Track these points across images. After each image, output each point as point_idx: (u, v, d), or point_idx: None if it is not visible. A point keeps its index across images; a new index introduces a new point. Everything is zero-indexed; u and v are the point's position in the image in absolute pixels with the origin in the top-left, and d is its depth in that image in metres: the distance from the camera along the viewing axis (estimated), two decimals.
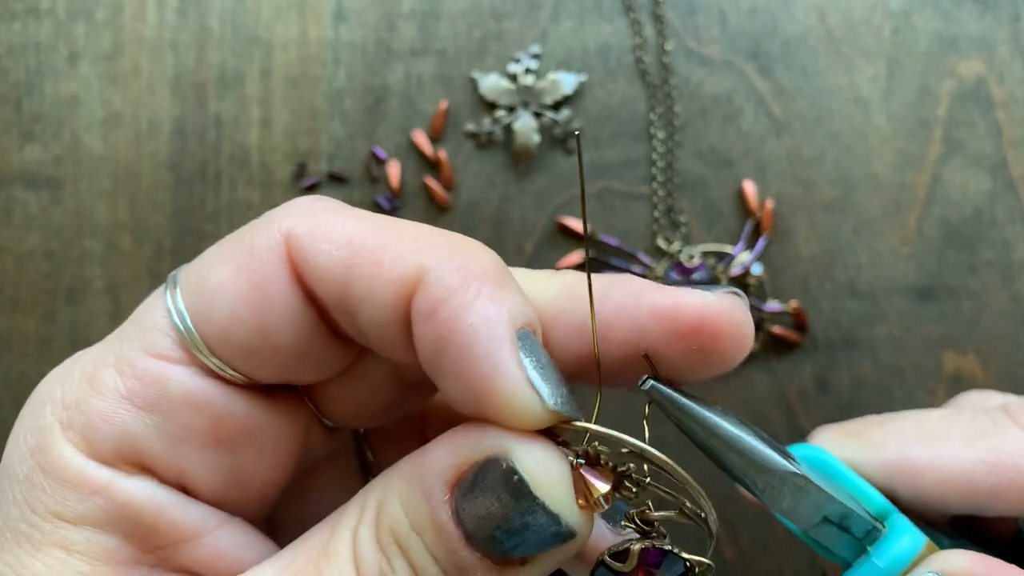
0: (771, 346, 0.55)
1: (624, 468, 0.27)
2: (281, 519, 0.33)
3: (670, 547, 0.28)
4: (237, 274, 0.27)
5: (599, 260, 0.55)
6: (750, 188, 0.56)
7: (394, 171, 0.56)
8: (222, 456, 0.29)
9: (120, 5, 0.57)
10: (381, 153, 0.56)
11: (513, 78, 0.57)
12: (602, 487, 0.26)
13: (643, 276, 0.54)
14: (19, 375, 0.55)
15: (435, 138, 0.57)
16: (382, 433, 0.35)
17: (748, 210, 0.56)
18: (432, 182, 0.56)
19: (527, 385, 0.25)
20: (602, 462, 0.27)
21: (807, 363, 0.55)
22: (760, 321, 0.55)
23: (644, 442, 0.27)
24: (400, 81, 0.57)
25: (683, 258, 0.55)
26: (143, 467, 0.28)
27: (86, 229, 0.56)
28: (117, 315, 0.55)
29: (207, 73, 0.57)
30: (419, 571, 0.26)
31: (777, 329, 0.54)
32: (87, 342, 0.54)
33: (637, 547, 0.27)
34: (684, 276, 0.54)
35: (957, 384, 0.54)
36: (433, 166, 0.57)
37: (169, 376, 0.28)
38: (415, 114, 0.57)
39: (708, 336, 0.28)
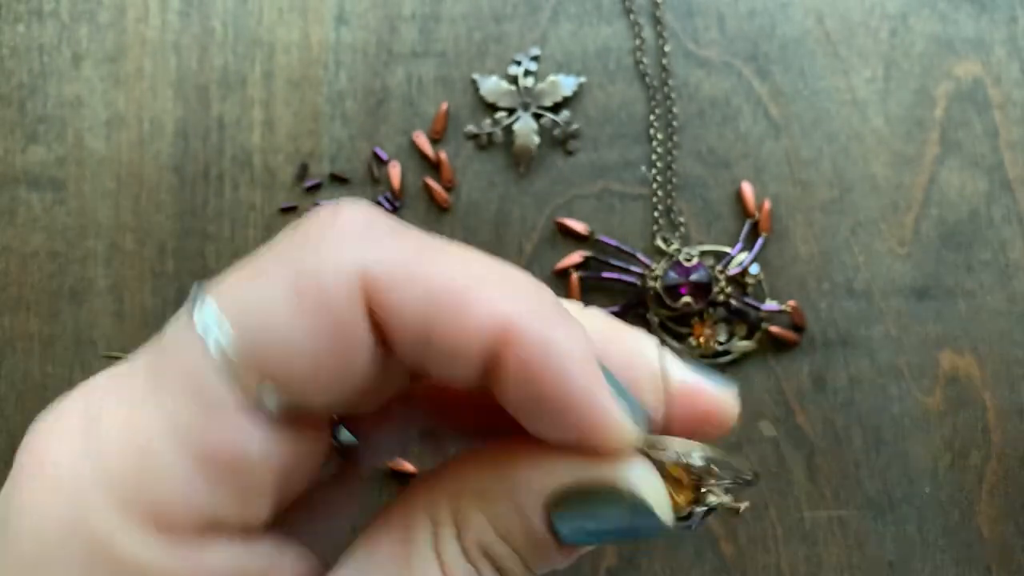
0: (769, 345, 0.55)
1: (694, 470, 0.29)
2: None
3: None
4: (315, 327, 0.25)
5: (599, 260, 0.56)
6: (748, 189, 0.56)
7: (395, 172, 0.57)
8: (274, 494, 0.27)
9: (123, 7, 0.58)
10: (382, 154, 0.57)
11: (513, 80, 0.58)
12: (681, 496, 0.28)
13: (642, 276, 0.55)
14: (23, 375, 0.56)
15: (436, 139, 0.57)
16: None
17: (746, 211, 0.56)
18: (433, 183, 0.57)
19: (623, 415, 0.26)
20: (675, 470, 0.29)
21: (804, 362, 0.55)
22: (758, 321, 0.55)
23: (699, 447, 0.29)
24: (401, 83, 0.57)
25: (682, 258, 0.55)
26: (214, 531, 0.25)
27: (89, 230, 0.56)
28: (120, 315, 0.56)
29: (209, 75, 0.57)
30: (507, 572, 0.27)
31: (775, 329, 0.55)
32: (90, 342, 0.55)
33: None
34: (683, 276, 0.55)
35: (954, 383, 0.55)
36: (434, 167, 0.57)
37: (244, 447, 0.25)
38: (416, 116, 0.57)
39: (714, 425, 0.29)
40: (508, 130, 0.57)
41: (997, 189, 0.56)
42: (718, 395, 0.29)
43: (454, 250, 0.26)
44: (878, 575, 0.54)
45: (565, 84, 0.57)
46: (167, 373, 0.25)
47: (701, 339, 0.55)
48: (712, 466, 0.28)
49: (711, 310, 0.55)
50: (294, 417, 0.25)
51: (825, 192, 0.56)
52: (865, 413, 0.55)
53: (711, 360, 0.55)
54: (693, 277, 0.55)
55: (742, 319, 0.55)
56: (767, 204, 0.56)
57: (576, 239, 0.56)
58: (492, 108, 0.57)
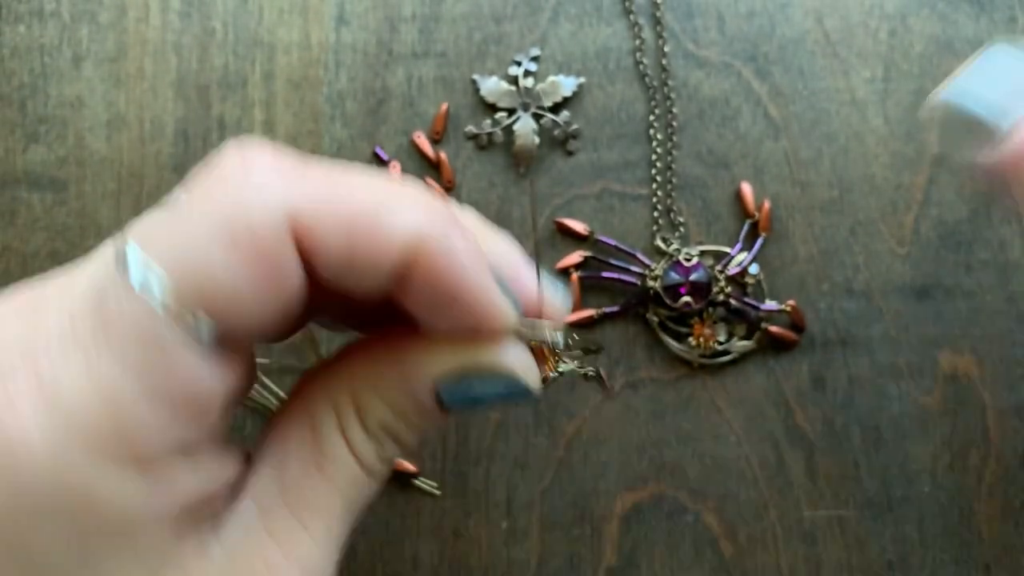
0: (768, 345, 0.55)
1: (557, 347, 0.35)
2: None
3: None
4: (251, 264, 0.27)
5: (599, 260, 0.56)
6: (747, 189, 0.56)
7: (396, 172, 0.57)
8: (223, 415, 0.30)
9: (124, 7, 0.58)
10: (383, 154, 0.57)
11: (513, 80, 0.58)
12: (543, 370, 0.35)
13: (642, 275, 0.55)
14: None
15: (436, 140, 0.57)
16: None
17: (746, 211, 0.56)
18: (433, 183, 0.57)
19: (507, 304, 0.32)
20: (539, 347, 0.35)
21: (804, 362, 0.55)
22: (757, 320, 0.55)
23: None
24: (401, 83, 0.58)
25: (681, 258, 0.55)
26: (181, 457, 0.28)
27: (90, 230, 0.56)
28: None
29: (210, 75, 0.58)
30: (401, 436, 0.33)
31: (774, 328, 0.55)
32: None
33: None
34: (683, 276, 0.55)
35: (953, 382, 0.55)
36: (434, 167, 0.57)
37: (197, 380, 0.27)
38: (416, 116, 0.57)
39: (552, 315, 0.35)
40: (508, 130, 0.57)
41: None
42: (555, 295, 0.35)
43: (360, 175, 0.30)
44: (878, 575, 0.54)
45: (565, 84, 0.57)
46: (114, 323, 0.26)
47: (701, 339, 0.55)
48: (570, 341, 0.35)
49: (711, 310, 0.55)
50: (233, 346, 0.28)
51: (824, 192, 0.56)
52: (864, 413, 0.55)
53: (711, 360, 0.55)
54: (693, 277, 0.55)
55: (742, 319, 0.55)
56: (766, 204, 0.56)
57: (576, 239, 0.56)
58: (492, 108, 0.58)
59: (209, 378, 0.27)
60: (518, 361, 0.33)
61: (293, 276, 0.28)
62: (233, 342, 0.28)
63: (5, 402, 0.25)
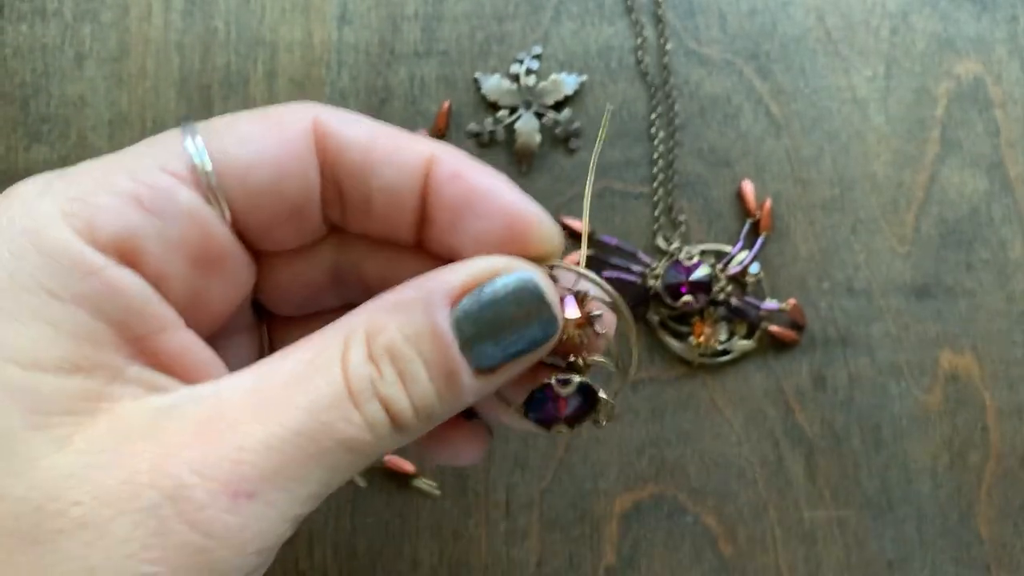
0: (769, 344, 0.55)
1: (593, 313, 0.33)
2: None
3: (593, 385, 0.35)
4: (265, 131, 0.31)
5: (599, 259, 0.56)
6: (749, 187, 0.56)
7: None
8: (197, 274, 0.31)
9: (126, 6, 0.58)
10: None
11: (515, 79, 0.58)
12: (573, 313, 0.33)
13: (643, 274, 0.55)
14: None
15: (438, 137, 0.57)
16: (282, 326, 0.39)
17: (747, 209, 0.56)
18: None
19: (550, 219, 0.32)
20: (579, 299, 0.33)
21: (804, 361, 0.55)
22: (758, 319, 0.55)
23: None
24: (403, 82, 0.58)
25: (682, 257, 0.55)
26: (133, 263, 0.29)
27: None
28: None
29: (212, 75, 0.58)
30: (408, 377, 0.30)
31: (775, 327, 0.55)
32: None
33: (576, 379, 0.34)
34: (684, 274, 0.55)
35: (954, 382, 0.55)
36: None
37: (179, 190, 0.30)
38: (418, 114, 0.58)
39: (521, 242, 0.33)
40: (510, 129, 0.57)
41: (998, 188, 0.56)
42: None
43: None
44: (878, 575, 0.54)
45: (567, 83, 0.57)
46: (139, 147, 0.32)
47: (701, 338, 0.55)
48: (595, 301, 0.34)
49: (711, 309, 0.55)
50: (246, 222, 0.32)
51: (826, 191, 0.56)
52: (864, 412, 0.55)
53: (711, 359, 0.55)
54: (693, 276, 0.55)
55: (742, 318, 0.55)
56: (768, 203, 0.56)
57: (577, 238, 0.56)
58: (494, 107, 0.58)
59: (191, 201, 0.31)
60: (545, 283, 0.31)
61: (303, 153, 0.32)
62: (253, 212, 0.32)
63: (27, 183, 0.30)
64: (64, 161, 0.57)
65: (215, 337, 0.35)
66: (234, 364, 0.33)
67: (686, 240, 0.56)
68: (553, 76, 0.58)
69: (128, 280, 0.29)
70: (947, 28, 0.58)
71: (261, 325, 0.39)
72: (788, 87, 0.57)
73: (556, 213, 0.56)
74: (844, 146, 0.57)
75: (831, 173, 0.56)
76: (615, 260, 0.56)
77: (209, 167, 0.31)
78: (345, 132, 0.32)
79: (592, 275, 0.33)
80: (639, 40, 0.58)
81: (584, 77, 0.58)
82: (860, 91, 0.57)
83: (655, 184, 0.57)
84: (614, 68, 0.58)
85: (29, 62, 0.58)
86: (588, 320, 0.33)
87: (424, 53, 0.58)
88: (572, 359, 0.34)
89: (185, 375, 0.31)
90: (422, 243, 0.34)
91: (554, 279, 0.33)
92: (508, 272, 0.31)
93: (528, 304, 0.31)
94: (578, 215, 0.56)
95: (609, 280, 0.56)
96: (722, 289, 0.55)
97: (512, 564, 0.54)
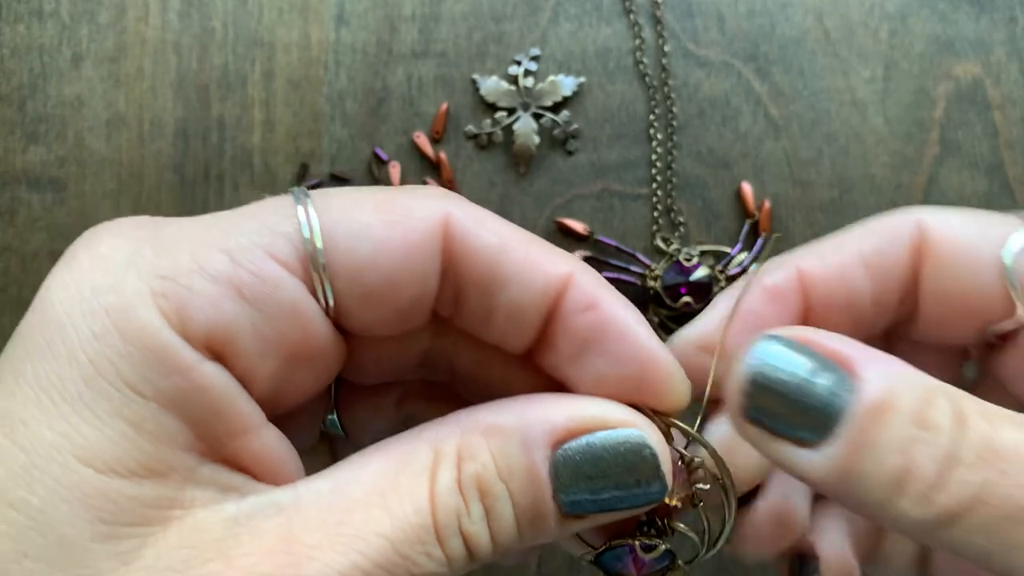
0: None
1: (698, 487, 0.31)
2: None
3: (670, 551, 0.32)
4: (389, 226, 0.28)
5: (599, 260, 0.56)
6: (748, 189, 0.56)
7: (395, 172, 0.57)
8: (287, 368, 0.28)
9: (123, 7, 0.58)
10: (383, 154, 0.57)
11: (513, 80, 0.58)
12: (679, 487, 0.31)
13: (642, 275, 0.55)
14: None
15: (436, 139, 0.57)
16: (350, 389, 0.36)
17: (746, 211, 0.56)
18: (433, 183, 0.57)
19: (682, 371, 0.30)
20: (689, 468, 0.31)
21: None
22: None
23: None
24: (401, 83, 0.58)
25: (682, 258, 0.55)
26: (223, 358, 0.27)
27: None
28: None
29: (210, 75, 0.57)
30: (494, 515, 0.27)
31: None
32: None
33: (663, 546, 0.31)
34: (683, 276, 0.55)
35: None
36: (434, 167, 0.57)
37: (285, 281, 0.27)
38: (416, 115, 0.57)
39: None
40: (508, 130, 0.57)
41: (997, 189, 0.56)
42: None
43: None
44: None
45: (565, 84, 0.57)
46: (243, 219, 0.28)
47: None
48: (703, 472, 0.31)
49: None
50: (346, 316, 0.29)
51: (825, 192, 0.56)
52: None
53: None
54: (693, 277, 0.55)
55: None
56: (767, 204, 0.56)
57: (576, 239, 0.56)
58: (492, 108, 0.58)
59: (295, 294, 0.28)
60: (656, 440, 0.29)
61: (427, 256, 0.28)
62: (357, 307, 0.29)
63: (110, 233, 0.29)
64: (62, 162, 0.56)
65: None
66: (296, 428, 0.31)
67: (685, 241, 0.56)
68: (551, 78, 0.58)
69: (217, 379, 0.26)
70: (946, 30, 0.58)
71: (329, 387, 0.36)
72: (787, 89, 0.57)
73: (553, 215, 0.56)
74: (843, 148, 0.57)
75: (830, 175, 0.56)
76: (614, 261, 0.56)
77: (322, 259, 0.27)
78: (477, 238, 0.29)
79: (709, 444, 0.31)
80: (637, 41, 0.58)
81: (582, 79, 0.58)
82: (859, 93, 0.57)
83: (654, 185, 0.57)
84: (612, 69, 0.58)
85: (26, 63, 0.57)
86: (692, 497, 0.31)
87: (422, 54, 0.58)
88: (661, 521, 0.32)
89: (262, 474, 0.28)
90: (532, 356, 0.32)
91: (669, 437, 0.30)
92: (621, 427, 0.28)
93: (636, 467, 0.28)
94: (577, 217, 0.56)
95: (609, 280, 0.56)
96: (722, 290, 0.55)
97: (512, 564, 0.53)
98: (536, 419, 0.28)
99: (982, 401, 0.26)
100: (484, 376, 0.33)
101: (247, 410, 0.27)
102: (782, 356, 0.27)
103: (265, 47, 0.58)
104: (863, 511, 0.27)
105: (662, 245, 0.56)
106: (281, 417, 0.30)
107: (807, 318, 0.33)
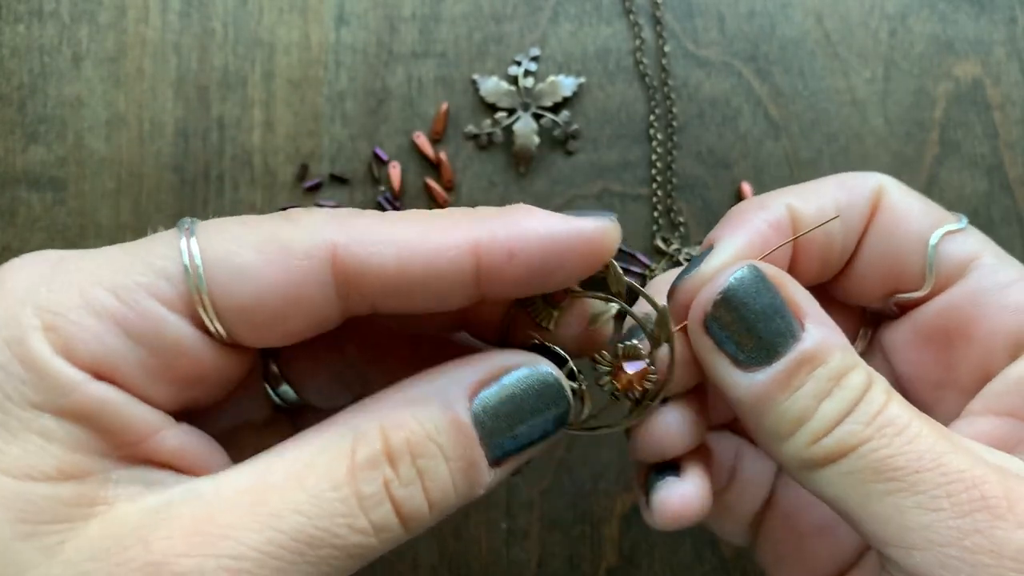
0: None
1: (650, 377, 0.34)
2: None
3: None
4: (270, 264, 0.29)
5: None
6: (748, 189, 0.56)
7: (395, 172, 0.57)
8: (181, 388, 0.30)
9: (123, 7, 0.58)
10: (383, 154, 0.57)
11: (513, 80, 0.58)
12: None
13: (642, 276, 0.55)
14: None
15: (436, 139, 0.57)
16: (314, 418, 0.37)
17: None
18: (433, 183, 0.57)
19: (602, 220, 0.32)
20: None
21: None
22: None
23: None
24: (401, 83, 0.57)
25: (682, 258, 0.55)
26: (111, 381, 0.29)
27: (90, 229, 0.56)
28: None
29: (210, 75, 0.57)
30: (428, 474, 0.29)
31: None
32: None
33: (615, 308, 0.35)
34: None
35: None
36: (434, 167, 0.57)
37: (168, 322, 0.29)
38: (416, 116, 0.57)
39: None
40: (508, 130, 0.57)
41: (997, 189, 0.56)
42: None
43: (409, 214, 0.31)
44: None
45: (565, 84, 0.57)
46: (132, 257, 0.30)
47: None
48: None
49: None
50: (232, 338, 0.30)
51: None
52: None
53: None
54: None
55: None
56: None
57: None
58: (492, 108, 0.58)
59: (178, 333, 0.29)
60: (558, 372, 0.32)
61: (318, 290, 0.30)
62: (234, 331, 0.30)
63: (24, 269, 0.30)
64: (61, 162, 0.56)
65: (239, 431, 0.35)
66: (233, 412, 0.34)
67: (685, 241, 0.56)
68: (551, 78, 0.58)
69: (108, 395, 0.29)
70: (946, 30, 0.58)
71: (291, 415, 0.38)
72: (787, 89, 0.57)
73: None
74: (843, 148, 0.57)
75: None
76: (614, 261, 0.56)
77: (207, 303, 0.29)
78: (369, 258, 0.30)
79: (651, 297, 0.34)
80: (637, 42, 0.58)
81: (582, 79, 0.58)
82: (859, 93, 0.57)
83: (654, 186, 0.57)
84: (612, 70, 0.58)
85: (26, 63, 0.57)
86: (645, 374, 0.34)
87: (422, 54, 0.58)
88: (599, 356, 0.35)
89: (185, 468, 0.30)
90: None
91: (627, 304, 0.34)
92: (524, 366, 0.31)
93: (544, 392, 0.31)
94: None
95: None
96: None
97: (512, 564, 0.53)
98: (449, 380, 0.30)
99: (887, 381, 0.32)
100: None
101: (146, 417, 0.29)
102: (755, 286, 0.32)
103: (265, 47, 0.58)
104: (760, 436, 0.32)
105: (662, 245, 0.56)
106: (239, 441, 0.33)
107: (796, 251, 0.36)
